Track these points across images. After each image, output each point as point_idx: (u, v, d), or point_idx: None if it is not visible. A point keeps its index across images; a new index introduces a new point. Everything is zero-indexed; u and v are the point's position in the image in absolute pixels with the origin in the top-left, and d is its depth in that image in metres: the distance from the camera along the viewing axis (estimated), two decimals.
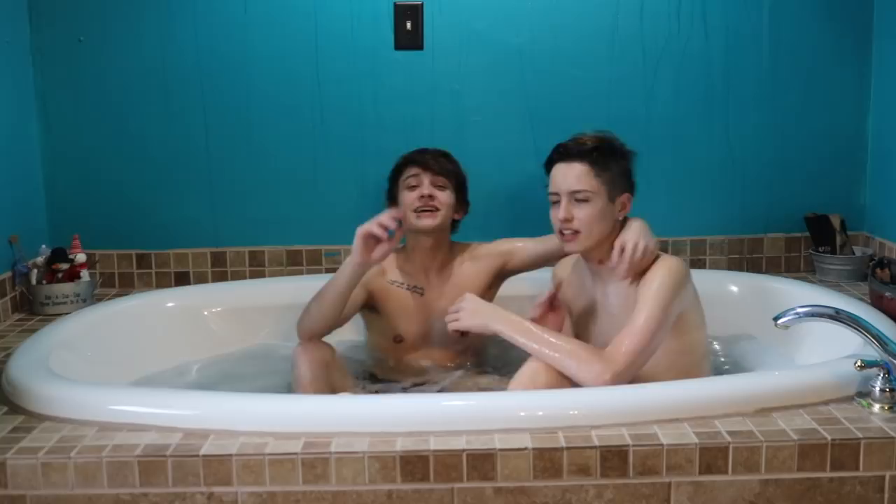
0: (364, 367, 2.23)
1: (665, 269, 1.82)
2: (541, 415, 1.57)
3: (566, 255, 2.06)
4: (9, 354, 1.93)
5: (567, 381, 1.74)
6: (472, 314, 1.88)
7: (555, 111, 2.59)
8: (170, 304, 2.35)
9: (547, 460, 1.48)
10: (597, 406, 1.60)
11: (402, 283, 2.19)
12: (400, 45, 2.56)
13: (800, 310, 1.69)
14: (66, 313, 2.27)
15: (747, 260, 2.70)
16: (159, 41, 2.53)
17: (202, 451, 1.48)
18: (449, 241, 2.23)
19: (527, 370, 1.78)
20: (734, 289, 2.42)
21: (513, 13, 2.56)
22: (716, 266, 2.67)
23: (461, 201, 2.21)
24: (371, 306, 2.19)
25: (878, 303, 2.14)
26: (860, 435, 1.51)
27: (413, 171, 2.15)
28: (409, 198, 2.13)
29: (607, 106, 2.59)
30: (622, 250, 1.85)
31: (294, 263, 2.63)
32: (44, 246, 2.43)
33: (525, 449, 1.48)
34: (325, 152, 2.60)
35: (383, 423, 1.55)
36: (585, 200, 1.86)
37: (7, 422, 1.61)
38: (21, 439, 1.53)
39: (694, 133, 2.63)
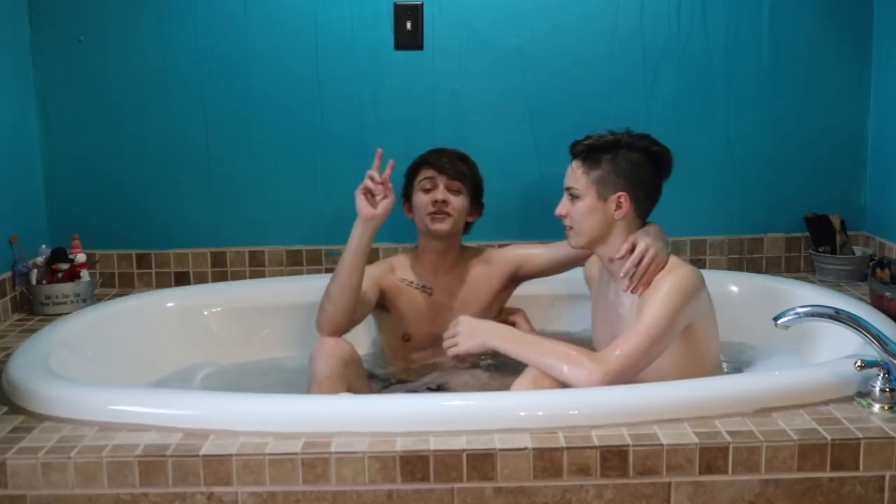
0: (374, 367, 2.24)
1: (677, 277, 1.81)
2: (541, 415, 1.57)
3: (578, 258, 2.12)
4: (9, 354, 1.93)
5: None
6: (468, 336, 1.88)
7: (555, 111, 2.59)
8: (170, 304, 2.35)
9: (547, 460, 1.48)
10: (597, 406, 1.60)
11: (412, 283, 2.20)
12: (400, 45, 2.56)
13: (800, 310, 1.69)
14: (66, 313, 2.27)
15: (747, 260, 2.70)
16: (159, 41, 2.53)
17: (202, 451, 1.48)
18: (460, 244, 2.24)
19: (529, 373, 1.78)
20: (734, 289, 2.42)
21: (513, 13, 2.56)
22: (716, 266, 2.67)
23: (476, 205, 2.22)
24: (382, 305, 2.20)
25: (878, 303, 2.14)
26: (860, 435, 1.51)
27: (428, 173, 2.16)
28: (422, 200, 2.15)
29: (607, 105, 2.58)
30: (630, 251, 1.85)
31: (294, 263, 2.63)
32: (44, 246, 2.43)
33: (525, 449, 1.48)
34: (325, 152, 2.60)
35: (383, 423, 1.55)
36: (576, 197, 1.89)
37: (7, 422, 1.61)
38: (21, 439, 1.53)
39: (694, 133, 2.63)
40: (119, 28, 2.52)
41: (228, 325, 2.36)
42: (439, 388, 2.11)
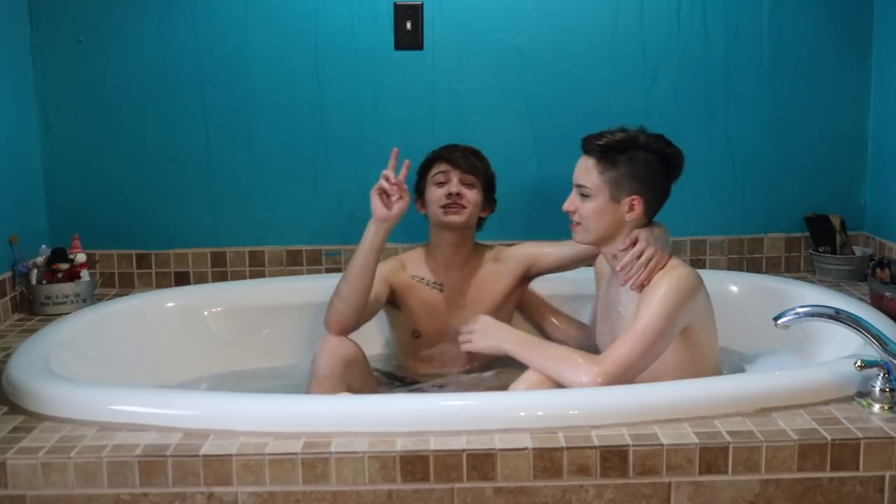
0: (385, 365, 2.25)
1: (673, 278, 1.81)
2: (541, 415, 1.57)
3: (588, 255, 2.12)
4: (9, 354, 1.93)
5: None
6: (484, 336, 1.90)
7: (555, 111, 2.59)
8: (170, 304, 2.35)
9: (547, 460, 1.48)
10: (597, 406, 1.60)
11: (423, 279, 2.20)
12: (400, 45, 2.56)
13: (800, 310, 1.69)
14: (66, 313, 2.27)
15: (747, 260, 2.70)
16: (159, 41, 2.53)
17: (202, 451, 1.48)
18: (473, 240, 2.24)
19: (526, 377, 1.78)
20: (734, 289, 2.42)
21: (513, 13, 2.56)
22: (716, 266, 2.67)
23: (488, 199, 2.23)
24: (393, 302, 2.21)
25: (878, 303, 2.14)
26: (860, 435, 1.51)
27: (442, 167, 2.16)
28: (436, 194, 2.15)
29: (607, 105, 2.58)
30: (631, 246, 1.85)
31: (294, 263, 2.63)
32: (44, 246, 2.43)
33: (525, 449, 1.48)
34: (325, 152, 2.60)
35: (383, 423, 1.55)
36: (587, 196, 1.88)
37: (7, 422, 1.61)
38: (21, 439, 1.53)
39: (694, 132, 2.63)
40: (119, 28, 2.52)
41: (228, 325, 2.36)
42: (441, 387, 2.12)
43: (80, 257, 2.41)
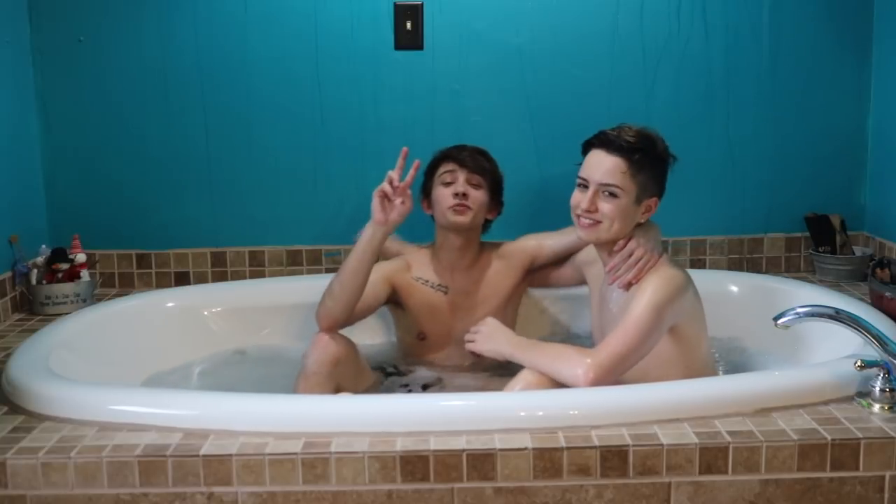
0: (390, 361, 2.25)
1: (662, 278, 1.83)
2: (541, 415, 1.57)
3: (582, 244, 2.09)
4: (9, 354, 1.93)
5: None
6: (486, 338, 1.90)
7: (555, 111, 2.59)
8: (170, 304, 2.35)
9: (547, 460, 1.48)
10: (597, 406, 1.60)
11: (427, 281, 2.19)
12: (400, 45, 2.56)
13: (800, 310, 1.69)
14: (66, 313, 2.27)
15: (747, 260, 2.70)
16: (159, 41, 2.53)
17: (202, 451, 1.48)
18: (478, 242, 2.22)
19: (525, 375, 1.78)
20: (734, 289, 2.42)
21: (513, 13, 2.56)
22: (716, 266, 2.67)
23: (495, 201, 2.20)
24: (396, 302, 2.20)
25: (878, 303, 2.14)
26: (860, 435, 1.51)
27: (449, 167, 2.14)
28: (443, 194, 2.13)
29: (607, 105, 2.58)
30: (624, 247, 1.86)
31: (294, 263, 2.63)
32: (44, 246, 2.43)
33: (525, 449, 1.48)
34: (325, 152, 2.60)
35: (383, 423, 1.55)
36: (614, 195, 1.85)
37: (7, 422, 1.61)
38: (21, 439, 1.53)
39: (694, 133, 2.63)
40: (119, 28, 2.52)
41: (228, 325, 2.36)
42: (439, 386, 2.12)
43: (80, 257, 2.41)
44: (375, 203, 1.96)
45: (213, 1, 2.52)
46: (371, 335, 2.32)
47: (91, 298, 2.41)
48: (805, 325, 1.75)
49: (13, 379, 1.73)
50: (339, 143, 2.59)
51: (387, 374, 2.18)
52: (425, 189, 2.20)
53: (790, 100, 2.64)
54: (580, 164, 1.90)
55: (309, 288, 2.28)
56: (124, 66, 2.54)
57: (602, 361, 1.71)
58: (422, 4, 2.53)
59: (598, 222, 1.86)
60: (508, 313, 2.22)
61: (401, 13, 2.54)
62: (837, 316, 1.69)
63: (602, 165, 1.85)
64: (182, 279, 2.61)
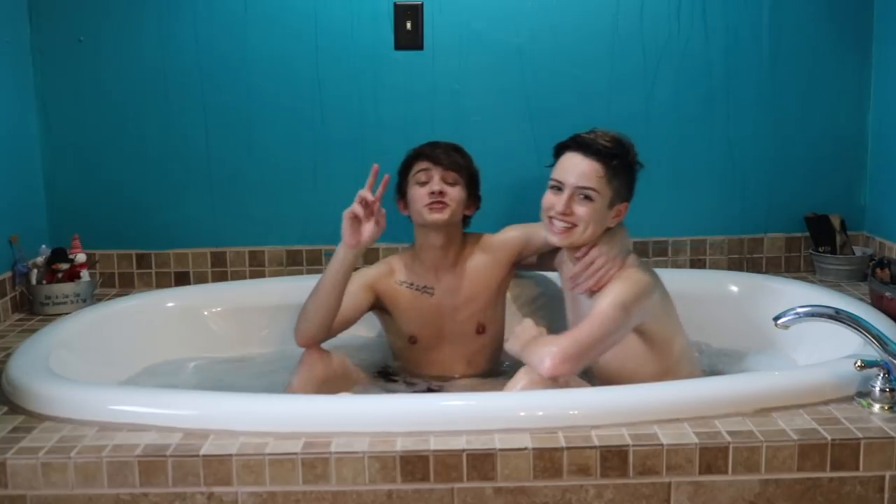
0: (383, 366, 2.24)
1: (628, 280, 1.84)
2: (541, 415, 1.57)
3: None
4: (9, 354, 1.93)
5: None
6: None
7: (555, 111, 2.59)
8: (170, 304, 2.35)
9: (547, 460, 1.48)
10: (597, 406, 1.60)
11: (412, 284, 2.15)
12: (400, 45, 2.56)
13: (800, 310, 1.69)
14: (66, 313, 2.27)
15: (747, 260, 2.70)
16: (159, 41, 2.53)
17: (202, 451, 1.48)
18: (460, 239, 2.17)
19: (523, 374, 1.78)
20: (734, 289, 2.41)
21: (513, 13, 2.56)
22: (716, 266, 2.67)
23: (473, 196, 2.15)
24: (382, 308, 2.17)
25: (878, 303, 2.14)
26: (860, 435, 1.51)
27: (423, 165, 2.09)
28: (418, 193, 2.07)
29: (607, 106, 2.58)
30: (586, 254, 1.89)
31: (294, 263, 2.63)
32: (44, 246, 2.43)
33: (525, 449, 1.48)
34: (325, 152, 2.60)
35: (383, 423, 1.55)
36: (589, 199, 1.85)
37: (7, 422, 1.61)
38: (21, 439, 1.53)
39: (694, 133, 2.63)
40: (119, 28, 2.52)
41: (228, 325, 2.36)
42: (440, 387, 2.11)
43: (80, 257, 2.41)
44: (346, 225, 1.92)
45: (213, 1, 2.52)
46: (367, 330, 2.31)
47: (91, 298, 2.41)
48: (805, 325, 1.75)
49: (13, 379, 1.73)
50: (340, 144, 2.59)
51: (386, 378, 2.18)
52: (400, 189, 2.14)
53: (790, 100, 2.64)
54: (551, 165, 1.91)
55: (309, 288, 2.27)
56: (124, 66, 2.54)
57: (565, 349, 1.72)
58: (422, 4, 2.53)
59: (574, 226, 1.87)
60: (497, 306, 2.20)
61: (401, 13, 2.54)
62: (837, 316, 1.69)
63: (578, 168, 1.86)
64: (182, 279, 2.61)
